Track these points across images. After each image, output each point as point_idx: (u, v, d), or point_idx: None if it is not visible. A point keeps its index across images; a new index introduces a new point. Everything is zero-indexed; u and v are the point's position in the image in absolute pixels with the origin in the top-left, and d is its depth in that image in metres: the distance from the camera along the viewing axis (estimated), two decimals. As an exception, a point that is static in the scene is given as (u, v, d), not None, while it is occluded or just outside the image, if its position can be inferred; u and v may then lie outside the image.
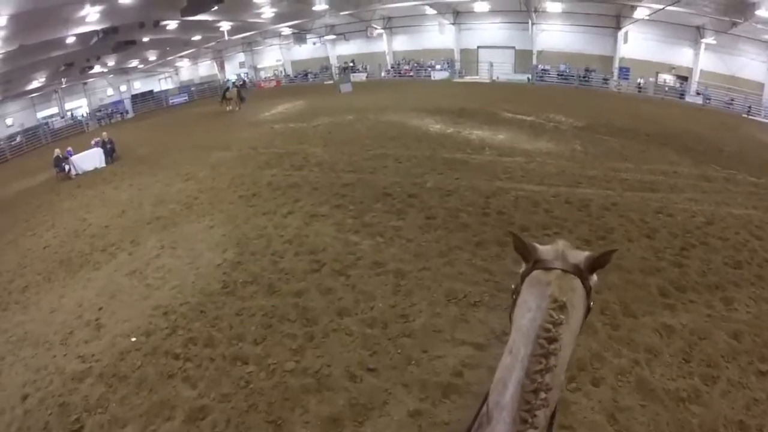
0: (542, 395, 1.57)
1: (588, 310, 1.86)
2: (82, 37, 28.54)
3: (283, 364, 6.47)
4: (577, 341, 1.83)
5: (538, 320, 1.66)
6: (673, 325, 6.95)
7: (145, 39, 35.74)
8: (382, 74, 44.12)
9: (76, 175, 20.09)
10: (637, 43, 34.08)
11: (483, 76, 38.90)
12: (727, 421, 5.38)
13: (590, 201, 11.47)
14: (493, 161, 14.87)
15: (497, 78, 37.96)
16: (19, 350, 7.86)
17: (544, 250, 1.90)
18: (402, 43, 43.72)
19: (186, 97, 47.11)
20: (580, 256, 1.86)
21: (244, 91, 36.39)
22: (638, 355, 6.34)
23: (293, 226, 10.95)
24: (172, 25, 33.49)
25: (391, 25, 42.80)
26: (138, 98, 45.53)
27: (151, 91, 47.88)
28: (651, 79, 34.38)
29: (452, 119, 21.19)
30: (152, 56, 44.04)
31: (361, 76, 43.80)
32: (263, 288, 8.45)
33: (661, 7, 27.02)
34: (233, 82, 45.30)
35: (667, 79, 34.26)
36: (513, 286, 1.97)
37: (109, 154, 21.83)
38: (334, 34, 45.11)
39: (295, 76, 49.70)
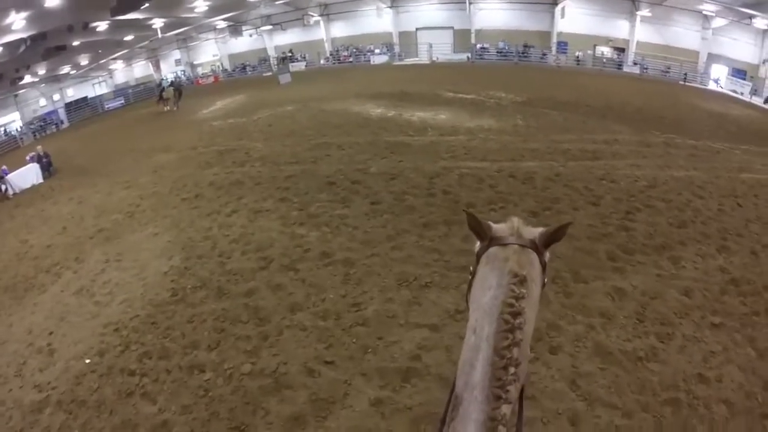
0: (512, 370, 1.55)
1: (543, 284, 1.84)
2: (9, 47, 27.10)
3: (240, 367, 6.30)
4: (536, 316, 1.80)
5: (500, 296, 1.63)
6: (624, 287, 7.06)
7: (76, 43, 34.15)
8: (321, 62, 43.57)
9: (14, 194, 18.90)
10: (574, 17, 34.68)
11: (423, 58, 39.01)
12: (686, 375, 5.51)
13: (534, 173, 11.52)
14: (436, 141, 14.80)
15: (437, 59, 38.08)
16: None
17: (499, 227, 1.88)
18: (340, 29, 43.25)
19: (122, 101, 45.13)
20: (534, 231, 1.85)
21: (181, 89, 35.29)
22: (593, 320, 6.40)
23: (238, 225, 10.65)
24: (102, 26, 32.14)
25: (328, 11, 42.27)
26: (72, 106, 43.25)
27: (85, 98, 45.40)
28: (589, 52, 35.05)
29: (393, 103, 21.07)
30: (84, 60, 42.06)
31: (300, 66, 43.13)
32: (213, 292, 8.18)
33: None
34: (171, 81, 43.89)
35: (605, 51, 35.01)
36: (471, 268, 1.93)
37: (46, 168, 20.64)
38: (271, 25, 44.26)
39: (234, 70, 48.53)
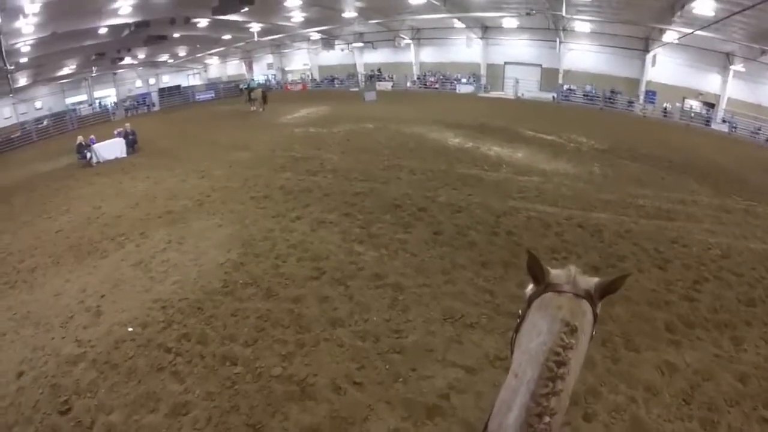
0: (546, 419, 1.54)
1: (591, 337, 1.84)
2: (114, 29, 29.29)
3: (271, 368, 6.46)
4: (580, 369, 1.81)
5: (548, 343, 1.65)
6: (677, 363, 6.65)
7: (176, 35, 36.52)
8: (408, 84, 44.01)
9: (97, 162, 20.50)
10: (664, 66, 33.51)
11: (508, 93, 38.65)
12: None
13: (604, 226, 11.22)
14: (509, 179, 14.70)
15: (522, 95, 37.68)
16: (21, 328, 8.06)
17: (556, 273, 1.90)
18: (429, 54, 43.60)
19: (212, 94, 47.60)
20: (591, 281, 1.85)
21: (269, 92, 36.61)
22: (636, 392, 6.07)
23: (300, 231, 10.96)
24: (202, 23, 34.08)
25: (419, 36, 42.74)
26: (165, 92, 46.17)
27: (178, 86, 48.54)
28: (677, 104, 33.76)
29: (472, 134, 21.09)
30: (182, 52, 44.77)
31: (386, 85, 43.88)
32: (262, 291, 8.46)
33: (691, 31, 26.52)
34: (258, 83, 45.71)
35: (694, 105, 33.65)
36: (519, 311, 1.97)
37: (131, 144, 22.22)
38: (362, 42, 45.28)
39: (322, 81, 49.97)
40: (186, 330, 7.38)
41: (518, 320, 1.97)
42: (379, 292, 8.31)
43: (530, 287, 1.97)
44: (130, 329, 7.51)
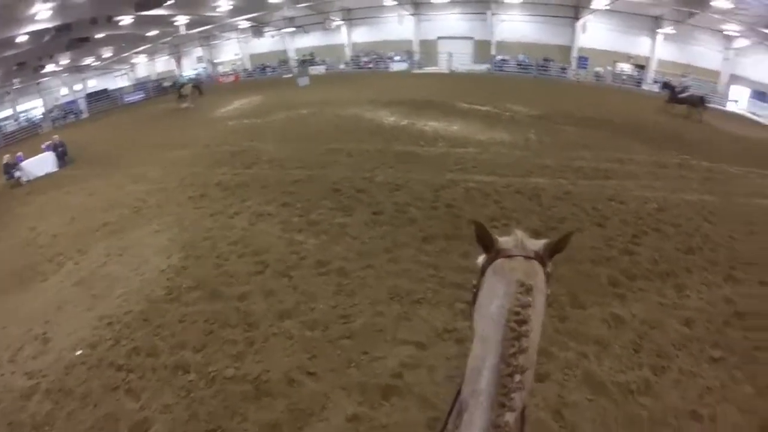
0: (518, 378, 1.59)
1: (546, 295, 1.92)
2: (34, 36, 27.50)
3: (223, 371, 6.25)
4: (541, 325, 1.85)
5: (506, 305, 1.70)
6: (623, 315, 6.80)
7: (99, 35, 34.62)
8: (341, 67, 43.52)
9: (27, 181, 19.27)
10: (595, 33, 34.34)
11: (442, 67, 38.75)
12: (678, 411, 5.23)
13: (542, 191, 11.31)
14: (446, 153, 14.64)
15: (456, 69, 37.83)
16: None
17: (505, 240, 1.97)
18: (361, 35, 43.26)
19: (142, 95, 45.66)
20: (538, 243, 1.95)
21: (200, 86, 35.46)
22: (586, 347, 6.15)
23: (239, 227, 10.61)
24: (126, 20, 32.50)
25: (350, 16, 42.32)
26: (92, 97, 43.91)
27: (105, 90, 46.20)
28: (609, 68, 34.66)
29: (408, 111, 20.95)
30: (107, 53, 42.60)
31: (320, 69, 43.11)
32: (206, 293, 8.12)
33: None
34: (189, 78, 44.31)
35: (625, 68, 34.61)
36: (474, 282, 2.03)
37: (61, 157, 20.97)
38: (293, 27, 44.41)
39: (254, 70, 48.75)
40: (135, 344, 7.05)
41: (473, 290, 2.02)
42: (324, 279, 8.14)
43: (482, 257, 2.02)
44: (79, 352, 7.12)
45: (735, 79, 31.25)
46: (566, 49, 35.43)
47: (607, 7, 31.15)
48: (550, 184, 11.71)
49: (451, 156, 14.22)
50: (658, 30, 32.20)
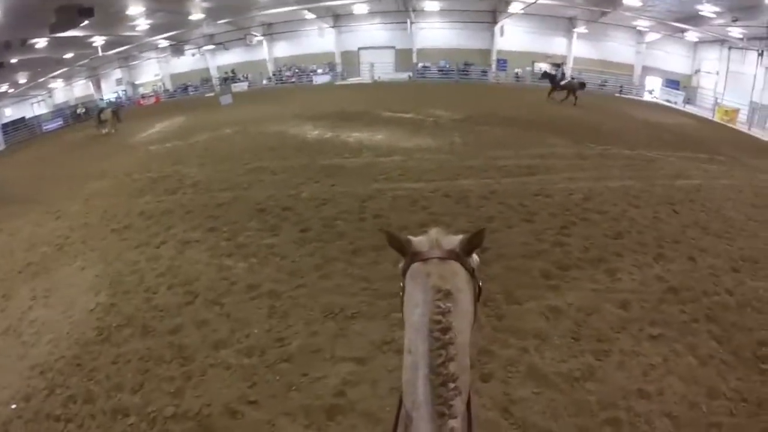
0: (451, 385, 1.55)
1: (479, 290, 1.92)
2: None
3: (163, 410, 5.90)
4: (476, 321, 1.86)
5: (427, 314, 1.64)
6: (559, 305, 6.84)
7: (13, 60, 32.89)
8: (264, 82, 43.20)
9: None
10: (513, 35, 35.59)
11: (365, 78, 39.05)
12: (626, 391, 5.26)
13: (469, 192, 11.35)
14: (371, 163, 14.57)
15: (379, 78, 38.22)
16: None
17: (418, 241, 1.91)
18: (283, 49, 43.10)
19: (61, 122, 43.34)
20: (454, 240, 1.88)
21: (120, 111, 34.08)
22: (526, 342, 6.14)
23: (166, 257, 10.13)
24: (41, 43, 31.00)
25: (271, 31, 42.05)
26: (9, 127, 41.10)
27: (23, 118, 43.40)
28: (528, 69, 35.80)
29: (331, 124, 20.85)
30: (23, 78, 40.31)
31: (242, 86, 42.66)
32: (138, 329, 7.70)
33: (533, 0, 28.09)
34: (107, 101, 42.65)
35: (543, 67, 35.83)
36: (401, 284, 1.92)
37: None
38: (213, 44, 43.64)
39: (176, 91, 47.55)
40: (70, 391, 6.58)
41: (401, 296, 1.93)
42: (256, 303, 7.88)
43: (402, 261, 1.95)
44: (13, 406, 6.60)
45: (648, 70, 33.09)
46: (486, 53, 36.52)
47: (523, 12, 32.18)
48: (476, 185, 11.78)
49: (377, 166, 14.15)
50: (574, 29, 33.60)
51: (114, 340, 7.51)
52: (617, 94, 32.58)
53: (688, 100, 30.66)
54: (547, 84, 28.24)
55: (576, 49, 34.49)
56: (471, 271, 1.84)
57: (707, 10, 25.03)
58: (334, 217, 10.71)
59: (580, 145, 15.37)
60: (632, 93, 32.76)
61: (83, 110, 41.37)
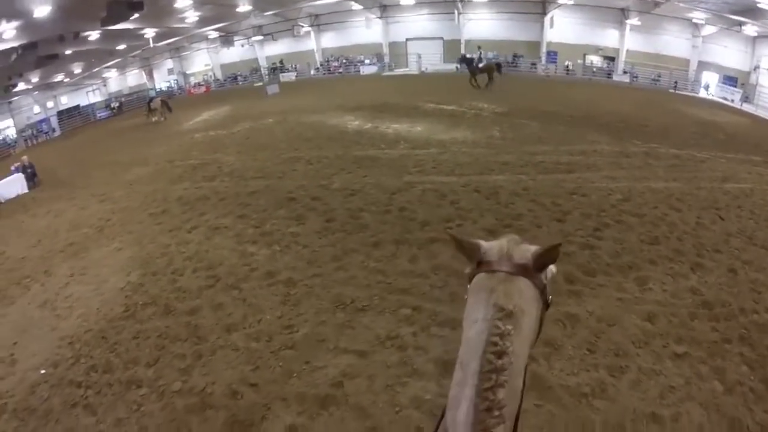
0: (496, 413, 1.44)
1: (547, 305, 1.76)
2: (1, 55, 26.98)
3: (172, 384, 6.35)
4: (534, 342, 1.73)
5: (484, 333, 1.52)
6: (578, 313, 6.46)
7: (68, 51, 34.02)
8: (312, 73, 43.46)
9: None
10: (563, 27, 34.51)
11: (412, 68, 38.78)
12: (637, 414, 4.89)
13: (500, 188, 11.05)
14: (406, 155, 14.42)
15: (426, 69, 37.85)
16: None
17: (488, 248, 1.75)
18: (330, 40, 43.20)
19: (117, 104, 45.12)
20: (527, 253, 1.70)
21: (169, 100, 34.99)
22: (536, 349, 5.74)
23: (195, 242, 10.51)
24: (93, 35, 31.98)
25: (318, 22, 42.24)
26: (64, 114, 43.17)
27: (77, 106, 45.50)
28: (579, 62, 34.74)
29: (372, 115, 20.76)
30: (77, 69, 41.97)
31: (290, 76, 43.09)
32: (160, 309, 8.18)
33: None
34: (157, 91, 44.05)
35: (595, 60, 34.70)
36: (467, 287, 1.78)
37: (31, 178, 20.59)
38: (262, 35, 44.19)
39: (225, 80, 48.54)
40: (93, 361, 7.16)
41: (466, 298, 1.77)
42: (272, 290, 8.09)
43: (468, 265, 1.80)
44: (43, 371, 7.24)
45: (704, 65, 31.48)
46: (535, 45, 35.61)
47: (573, 2, 31.19)
48: (508, 181, 11.47)
49: (411, 158, 14.01)
50: (626, 21, 32.31)
51: (138, 317, 8.03)
52: (671, 90, 31.12)
53: (746, 98, 28.91)
54: (599, 78, 27.33)
55: (628, 42, 33.07)
56: (541, 288, 1.69)
57: (766, 2, 23.49)
58: (360, 208, 10.69)
59: (625, 142, 14.71)
60: (687, 89, 31.21)
61: (117, 104, 43.31)
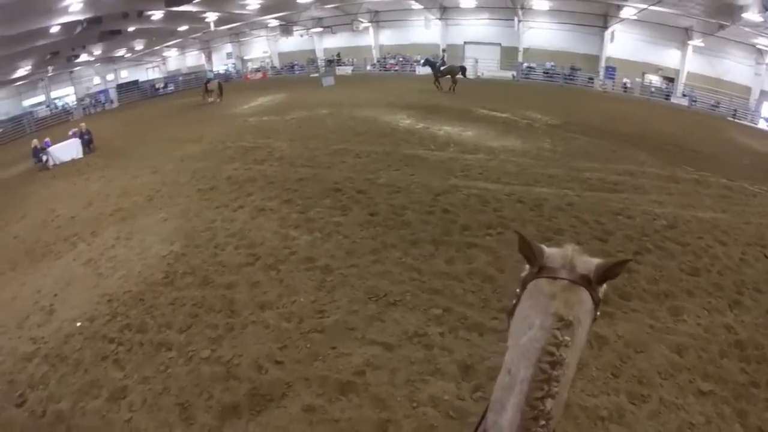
0: (542, 422, 1.46)
1: (594, 319, 1.72)
2: (66, 27, 28.35)
3: (200, 351, 6.68)
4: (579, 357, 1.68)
5: (540, 340, 1.51)
6: (608, 335, 6.41)
7: (131, 29, 35.36)
8: (368, 68, 43.67)
9: (54, 165, 20.22)
10: (624, 42, 33.70)
11: (468, 73, 38.30)
12: None
13: (545, 200, 10.99)
14: (454, 158, 14.42)
15: (482, 74, 37.57)
16: None
17: (552, 255, 1.74)
18: (388, 37, 43.32)
19: (172, 87, 46.62)
20: (590, 264, 1.69)
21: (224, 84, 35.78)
22: None
23: (240, 220, 10.93)
24: (156, 15, 33.19)
25: (378, 18, 42.42)
26: (123, 87, 44.94)
27: (136, 81, 47.24)
28: (637, 80, 33.91)
29: (425, 115, 20.75)
30: (138, 45, 43.45)
31: (346, 70, 43.42)
32: (199, 279, 8.63)
33: (645, 6, 26.49)
34: (215, 74, 45.10)
35: (654, 79, 33.81)
36: (518, 290, 1.80)
37: (86, 144, 21.85)
38: (321, 27, 44.75)
39: (282, 68, 49.24)
40: (128, 321, 7.66)
41: (514, 302, 1.80)
42: (309, 274, 8.37)
43: (526, 267, 1.80)
44: (79, 324, 7.80)
45: (766, 95, 30.19)
46: (594, 59, 34.85)
47: (636, 17, 30.40)
48: (554, 194, 11.39)
49: (459, 161, 14.01)
50: (688, 42, 31.30)
51: (176, 285, 8.54)
52: (729, 118, 30.01)
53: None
54: (657, 99, 26.52)
55: (689, 64, 31.91)
56: (597, 302, 1.67)
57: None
58: (403, 206, 10.82)
59: (675, 167, 14.34)
60: (746, 119, 30.00)
61: (162, 85, 44.92)
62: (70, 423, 5.82)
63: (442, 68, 29.42)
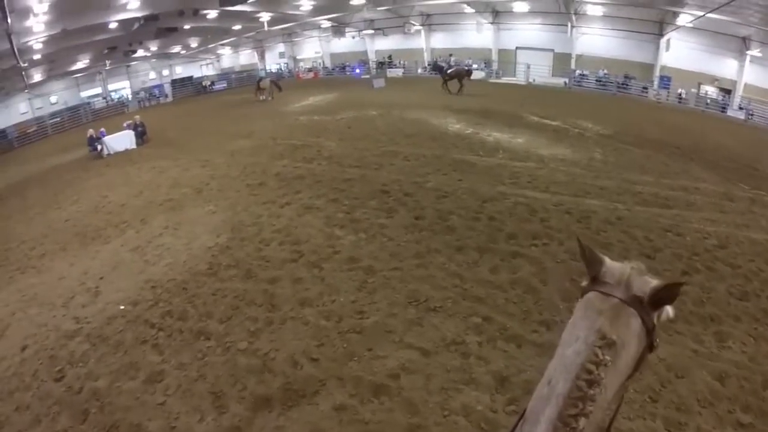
0: None
1: (651, 348, 1.69)
2: (124, 23, 29.68)
3: (238, 343, 6.90)
4: (628, 381, 1.69)
5: (581, 355, 1.51)
6: (650, 358, 6.20)
7: (186, 26, 36.65)
8: (419, 71, 43.61)
9: (108, 154, 21.23)
10: (679, 51, 32.42)
11: (520, 78, 38.02)
12: None
13: (593, 213, 10.78)
14: (503, 165, 14.34)
15: (534, 80, 37.11)
16: (28, 308, 8.91)
17: (611, 268, 1.72)
18: (440, 40, 43.14)
19: (225, 84, 47.97)
20: (646, 285, 1.64)
21: (279, 81, 36.48)
22: None
23: (286, 217, 11.21)
24: (211, 14, 34.21)
25: (430, 22, 42.39)
26: (177, 83, 46.50)
27: (190, 77, 48.94)
28: (693, 90, 32.66)
29: (475, 120, 20.67)
30: (193, 43, 44.94)
31: (397, 72, 43.66)
32: (242, 272, 8.92)
33: (703, 14, 25.50)
34: (267, 72, 46.12)
35: (710, 91, 32.54)
36: (577, 299, 1.78)
37: (140, 136, 22.86)
38: (373, 29, 45.17)
39: (333, 69, 49.85)
40: (170, 307, 7.99)
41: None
42: (351, 274, 8.52)
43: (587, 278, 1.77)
44: (122, 307, 8.19)
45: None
46: (648, 67, 33.71)
47: (692, 25, 29.24)
48: (603, 207, 11.16)
49: (508, 168, 13.91)
50: (747, 52, 29.90)
51: (220, 276, 8.85)
52: (789, 134, 28.62)
53: None
54: (713, 111, 25.35)
55: (747, 75, 30.35)
56: (650, 327, 1.62)
57: None
58: (450, 211, 10.84)
59: (731, 184, 13.82)
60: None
61: (209, 83, 46.24)
62: (105, 401, 6.08)
63: (449, 72, 30.27)
